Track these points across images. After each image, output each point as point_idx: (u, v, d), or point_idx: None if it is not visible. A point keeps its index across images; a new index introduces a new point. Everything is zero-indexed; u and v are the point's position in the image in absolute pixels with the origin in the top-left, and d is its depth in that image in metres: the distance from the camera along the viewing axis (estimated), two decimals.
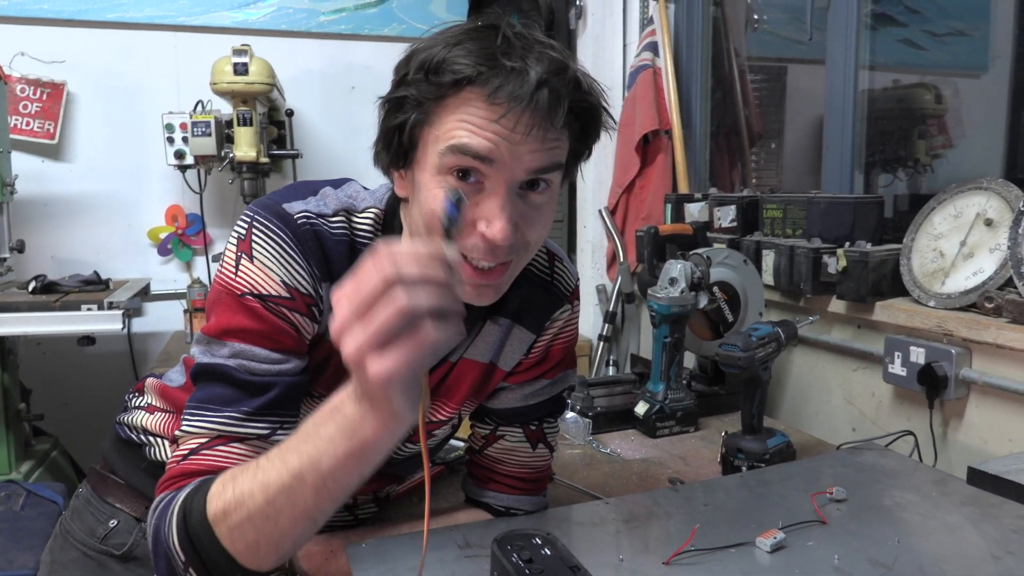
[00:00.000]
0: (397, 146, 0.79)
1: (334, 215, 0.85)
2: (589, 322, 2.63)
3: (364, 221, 0.87)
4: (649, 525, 1.00)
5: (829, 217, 1.63)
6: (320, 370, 0.89)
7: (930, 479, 1.11)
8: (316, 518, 0.73)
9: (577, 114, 0.78)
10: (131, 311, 2.14)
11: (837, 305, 1.59)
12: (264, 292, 0.80)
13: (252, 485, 0.70)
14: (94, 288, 2.21)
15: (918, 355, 1.39)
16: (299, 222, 0.82)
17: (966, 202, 1.43)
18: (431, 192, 0.76)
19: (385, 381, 0.59)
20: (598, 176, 2.58)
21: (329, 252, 0.83)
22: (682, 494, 1.09)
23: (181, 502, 0.74)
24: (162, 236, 2.73)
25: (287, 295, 0.81)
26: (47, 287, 2.13)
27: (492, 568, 0.81)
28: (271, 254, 0.81)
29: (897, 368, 1.44)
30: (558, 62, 0.75)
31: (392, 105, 0.79)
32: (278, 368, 0.81)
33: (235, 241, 0.83)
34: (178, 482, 0.77)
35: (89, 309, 2.02)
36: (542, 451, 1.03)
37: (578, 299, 1.03)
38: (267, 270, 0.80)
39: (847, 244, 1.56)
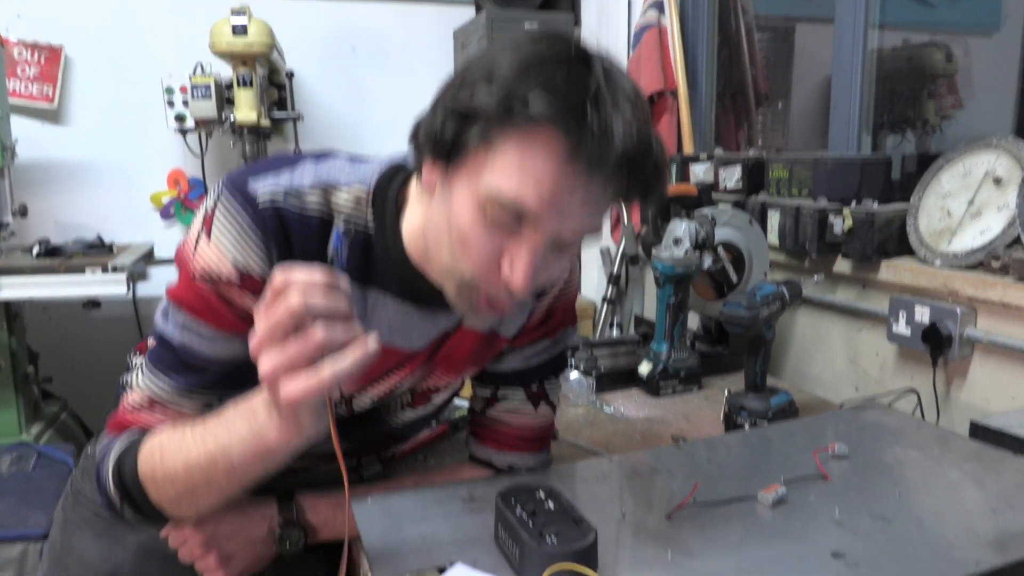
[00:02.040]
0: (447, 148, 0.72)
1: (310, 189, 0.82)
2: (592, 284, 2.63)
3: (346, 200, 0.83)
4: (651, 481, 1.01)
5: (835, 177, 1.61)
6: None
7: (932, 436, 1.12)
8: (230, 494, 0.83)
9: (640, 194, 0.73)
10: (135, 275, 2.15)
11: (842, 265, 1.58)
12: (215, 274, 0.80)
13: (175, 458, 0.79)
14: (98, 252, 2.22)
15: (923, 314, 1.39)
16: (262, 205, 0.79)
17: (975, 160, 1.42)
18: (466, 215, 0.72)
19: (294, 403, 0.66)
20: None
21: (294, 234, 0.80)
22: (684, 451, 1.10)
23: (116, 456, 0.82)
24: (164, 200, 2.73)
25: (238, 280, 0.80)
26: (51, 251, 2.14)
27: (496, 521, 0.82)
28: (228, 235, 0.80)
29: (901, 328, 1.43)
30: (643, 135, 0.69)
31: (457, 112, 0.70)
32: (219, 350, 0.83)
33: (201, 215, 0.82)
34: (119, 431, 0.85)
35: (93, 272, 2.03)
36: (544, 410, 1.03)
37: (577, 256, 1.02)
38: (221, 251, 0.80)
39: (853, 204, 1.54)
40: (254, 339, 0.65)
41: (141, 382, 0.85)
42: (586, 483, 1.00)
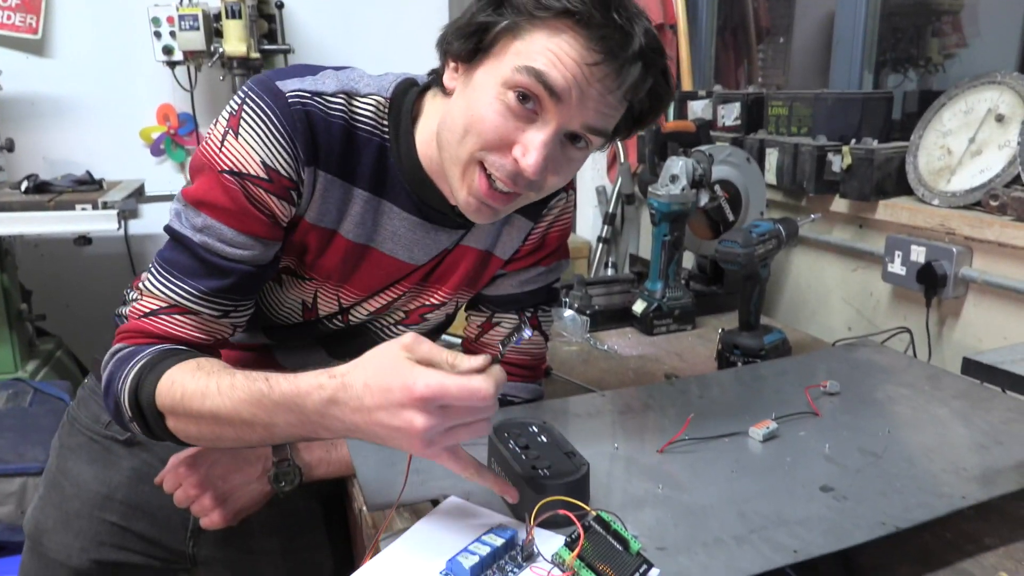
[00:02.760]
0: (476, 42, 0.78)
1: (333, 95, 0.83)
2: (588, 224, 2.61)
3: (365, 107, 0.85)
4: (644, 417, 1.01)
5: (836, 114, 1.59)
6: (301, 251, 0.89)
7: (924, 374, 1.12)
8: (255, 444, 0.85)
9: (648, 99, 0.80)
10: (127, 212, 2.12)
11: (839, 204, 1.57)
12: (243, 171, 0.80)
13: (200, 405, 0.75)
14: (88, 188, 2.19)
15: (918, 254, 1.38)
16: (290, 101, 0.80)
17: (978, 97, 1.39)
18: (486, 98, 0.76)
19: (421, 449, 0.67)
20: None
21: (319, 134, 0.81)
22: (677, 388, 1.10)
23: (135, 373, 0.79)
24: (154, 136, 2.68)
25: (266, 176, 0.80)
26: (39, 187, 2.11)
27: (489, 455, 0.83)
28: (257, 133, 0.80)
29: (897, 267, 1.43)
30: (657, 46, 0.76)
31: (490, 3, 0.77)
32: (240, 254, 0.82)
33: (227, 115, 0.82)
34: (137, 338, 0.83)
35: (83, 209, 2.01)
36: (537, 338, 1.05)
37: (574, 188, 1.03)
38: (249, 149, 0.80)
39: (853, 142, 1.52)
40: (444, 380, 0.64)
41: (157, 287, 0.83)
42: (579, 418, 1.00)
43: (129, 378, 0.80)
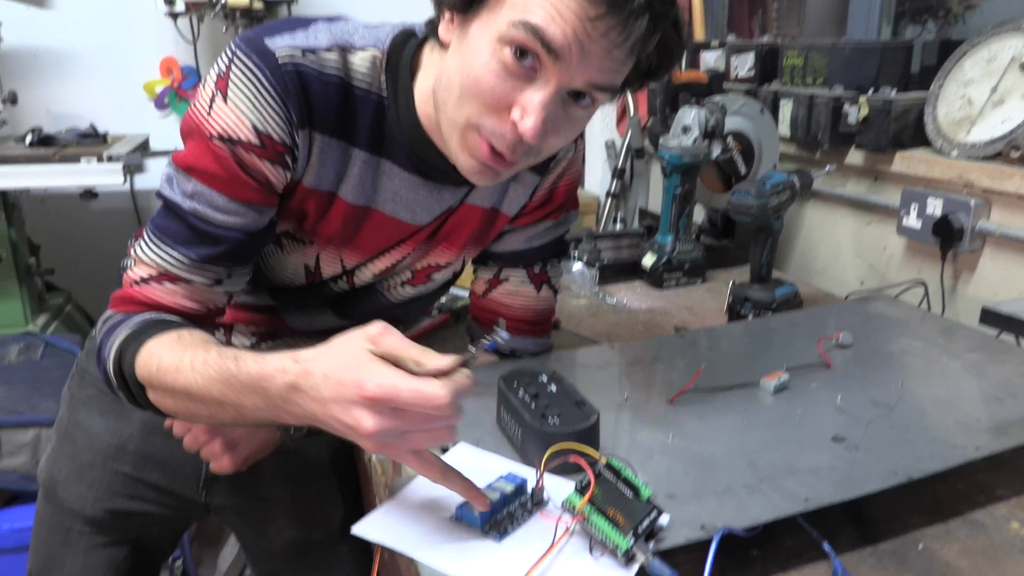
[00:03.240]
0: None
1: (327, 50, 0.78)
2: (597, 178, 2.58)
3: (362, 63, 0.80)
4: (653, 368, 1.01)
5: (853, 64, 1.55)
6: (300, 217, 0.86)
7: (938, 327, 1.11)
8: (231, 424, 0.86)
9: (657, 53, 0.73)
10: (132, 167, 2.10)
11: (855, 156, 1.54)
12: (234, 137, 0.76)
13: (174, 380, 0.74)
14: (92, 142, 2.17)
15: (935, 206, 1.36)
16: (281, 61, 0.75)
17: (1002, 45, 1.35)
18: (481, 57, 0.71)
19: (374, 450, 0.64)
20: None
21: (313, 95, 0.77)
22: (687, 340, 1.10)
23: (120, 344, 0.78)
24: (158, 90, 2.64)
25: (258, 142, 0.77)
26: (44, 140, 2.09)
27: (498, 404, 0.83)
28: (246, 96, 0.76)
29: (912, 220, 1.41)
30: None
31: None
32: (232, 221, 0.79)
33: (214, 76, 0.78)
34: (126, 306, 0.81)
35: (88, 162, 1.99)
36: (546, 293, 1.03)
37: (582, 137, 0.99)
38: (240, 113, 0.76)
39: (870, 92, 1.49)
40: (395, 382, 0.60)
41: (148, 254, 0.81)
42: (587, 369, 1.00)
43: (114, 347, 0.78)
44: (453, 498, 0.68)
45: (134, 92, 2.63)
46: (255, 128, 0.76)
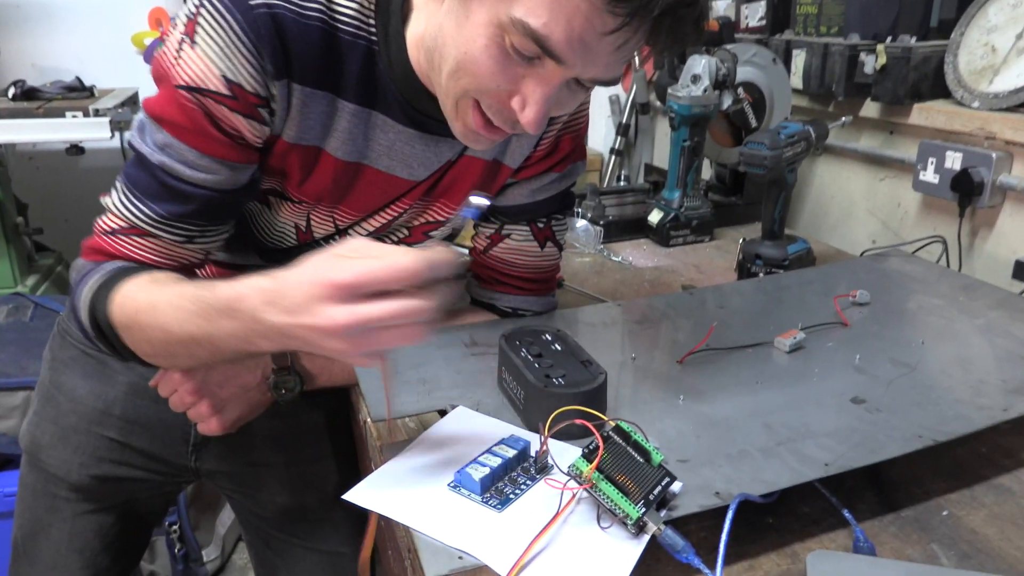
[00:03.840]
0: None
1: None
2: (601, 135, 2.52)
3: (347, 6, 0.73)
4: (662, 327, 0.96)
5: (871, 8, 1.48)
6: (284, 174, 0.81)
7: (958, 284, 1.06)
8: (211, 363, 0.80)
9: (672, 43, 0.65)
10: (120, 121, 2.03)
11: (870, 109, 1.48)
12: (202, 86, 0.70)
13: (151, 321, 0.72)
14: (78, 96, 2.10)
15: (954, 160, 1.30)
16: (254, 3, 0.69)
17: None
18: (480, 39, 0.64)
19: (341, 352, 0.59)
20: None
21: (291, 42, 0.71)
22: (696, 298, 1.05)
23: (93, 292, 0.75)
24: (147, 42, 2.56)
25: (228, 92, 0.70)
26: (28, 93, 2.02)
27: (500, 364, 0.78)
28: (215, 43, 0.69)
29: (929, 175, 1.35)
30: None
31: None
32: (203, 178, 0.74)
33: (183, 19, 0.71)
34: (96, 255, 0.78)
35: (75, 116, 1.93)
36: (550, 250, 0.97)
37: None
38: (208, 62, 0.69)
39: (888, 40, 1.42)
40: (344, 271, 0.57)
41: (118, 205, 0.77)
42: (593, 328, 0.95)
43: (88, 296, 0.75)
44: (451, 464, 0.64)
45: (122, 44, 2.54)
46: (225, 78, 0.70)
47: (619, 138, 2.39)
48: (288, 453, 1.05)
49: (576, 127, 0.93)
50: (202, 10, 0.69)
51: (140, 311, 0.72)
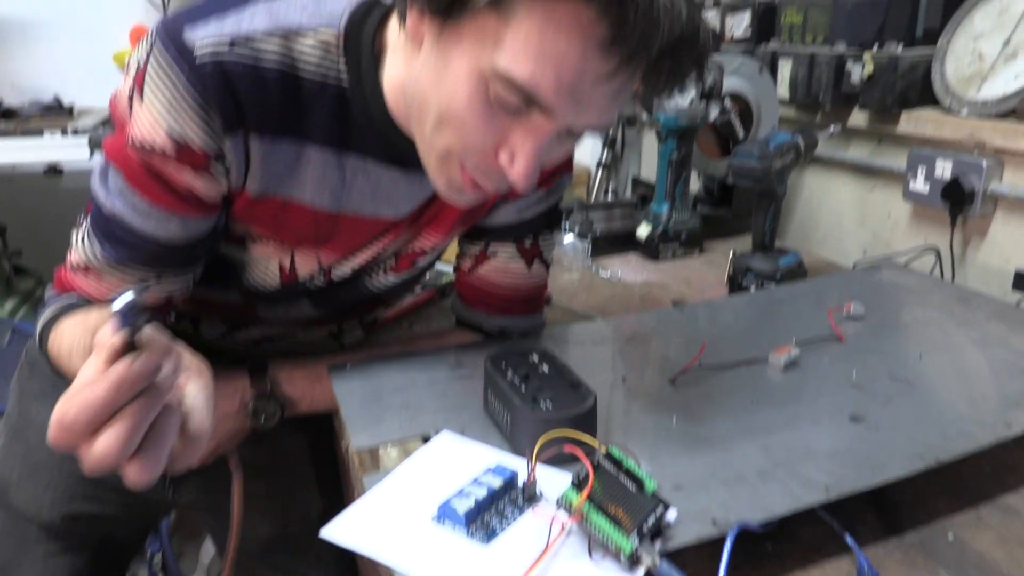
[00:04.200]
0: (448, 2, 0.58)
1: (265, 37, 0.67)
2: (587, 149, 2.50)
3: (311, 48, 0.69)
4: (652, 345, 0.94)
5: (857, 17, 1.46)
6: (254, 224, 0.78)
7: (953, 296, 1.04)
8: None
9: (672, 83, 0.61)
10: (99, 141, 2.00)
11: (858, 118, 1.46)
12: (147, 144, 0.67)
13: (69, 366, 0.68)
14: (57, 114, 2.07)
15: (944, 169, 1.29)
16: (199, 57, 0.64)
17: None
18: (462, 90, 0.60)
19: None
20: None
21: (243, 93, 0.66)
22: (686, 314, 1.02)
23: (41, 326, 0.74)
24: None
25: (173, 152, 0.67)
26: (5, 113, 1.99)
27: (485, 387, 0.75)
28: (161, 98, 0.65)
29: (919, 184, 1.33)
30: (692, 20, 0.57)
31: None
32: (153, 229, 0.71)
33: (134, 68, 0.67)
34: (59, 288, 0.77)
35: (52, 135, 1.89)
36: (538, 269, 0.94)
37: None
38: (155, 117, 0.66)
39: (875, 48, 1.41)
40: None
41: (78, 241, 0.75)
42: (582, 346, 0.92)
43: (38, 329, 0.74)
44: (435, 494, 0.61)
45: (103, 63, 2.51)
46: (170, 136, 0.67)
47: (606, 151, 2.37)
48: (270, 482, 1.01)
49: None
50: (151, 62, 0.66)
51: (60, 355, 0.70)
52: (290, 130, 0.71)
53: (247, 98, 0.67)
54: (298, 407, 0.89)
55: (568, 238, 1.44)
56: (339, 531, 0.59)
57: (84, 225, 0.75)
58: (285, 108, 0.69)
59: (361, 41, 0.70)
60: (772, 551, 0.63)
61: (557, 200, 0.93)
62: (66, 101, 2.15)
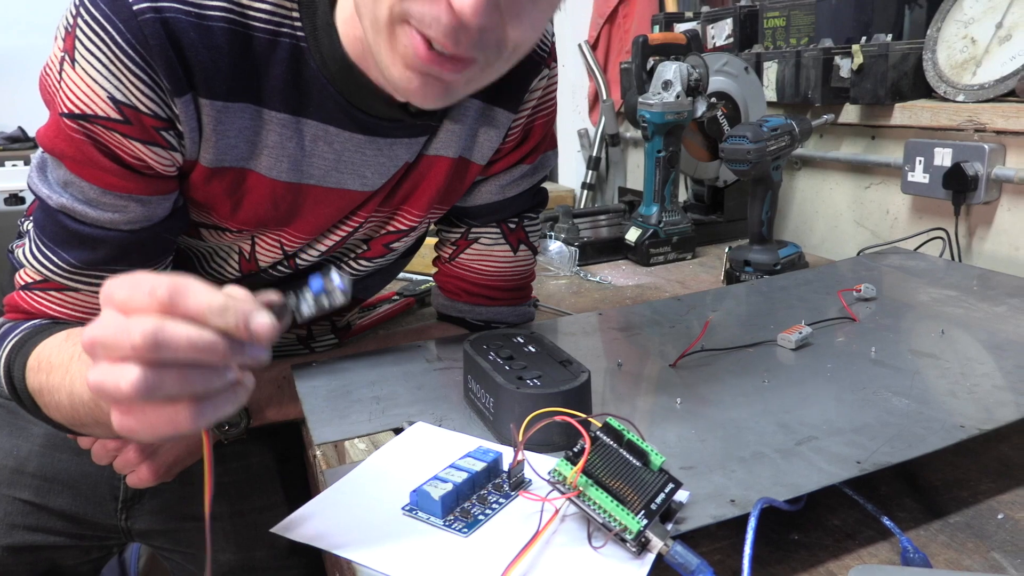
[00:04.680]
0: None
1: None
2: (572, 169, 2.45)
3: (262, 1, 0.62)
4: (648, 333, 0.86)
5: (841, 14, 1.43)
6: (209, 204, 0.70)
7: (970, 274, 0.98)
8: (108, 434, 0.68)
9: None
10: None
11: (850, 113, 1.41)
12: (87, 112, 0.59)
13: (61, 385, 0.62)
14: (20, 145, 2.00)
15: (944, 156, 1.23)
16: (138, 9, 0.57)
17: None
18: None
19: (125, 433, 0.44)
20: (576, 5, 2.33)
21: (189, 48, 0.59)
22: (685, 303, 0.95)
23: (7, 354, 0.67)
24: None
25: (119, 116, 0.59)
26: None
27: (465, 373, 0.67)
28: (97, 60, 0.58)
29: (918, 175, 1.28)
30: None
31: None
32: (110, 217, 0.64)
33: (63, 32, 0.60)
34: (15, 314, 0.69)
35: (14, 165, 1.82)
36: (524, 253, 0.86)
37: (555, 61, 0.82)
38: (91, 83, 0.59)
39: (863, 41, 1.36)
40: (90, 328, 0.42)
41: (29, 257, 0.67)
42: (572, 336, 0.84)
43: (2, 361, 0.67)
44: (407, 485, 0.52)
45: None
46: (113, 99, 0.59)
47: (590, 172, 2.32)
48: (234, 503, 0.92)
49: (547, 111, 0.82)
50: (79, 20, 0.58)
51: (53, 366, 0.62)
52: (243, 92, 0.64)
53: (194, 55, 0.60)
54: (265, 414, 0.80)
55: (555, 245, 1.37)
56: (293, 527, 0.50)
57: (32, 237, 0.67)
58: (237, 68, 0.62)
59: None
60: (800, 540, 0.55)
61: (542, 178, 0.86)
62: (31, 132, 2.09)
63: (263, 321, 0.43)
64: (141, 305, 0.41)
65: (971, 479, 0.61)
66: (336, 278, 0.48)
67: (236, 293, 0.44)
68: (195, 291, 0.42)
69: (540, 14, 0.57)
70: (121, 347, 0.40)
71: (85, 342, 0.42)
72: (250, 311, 0.43)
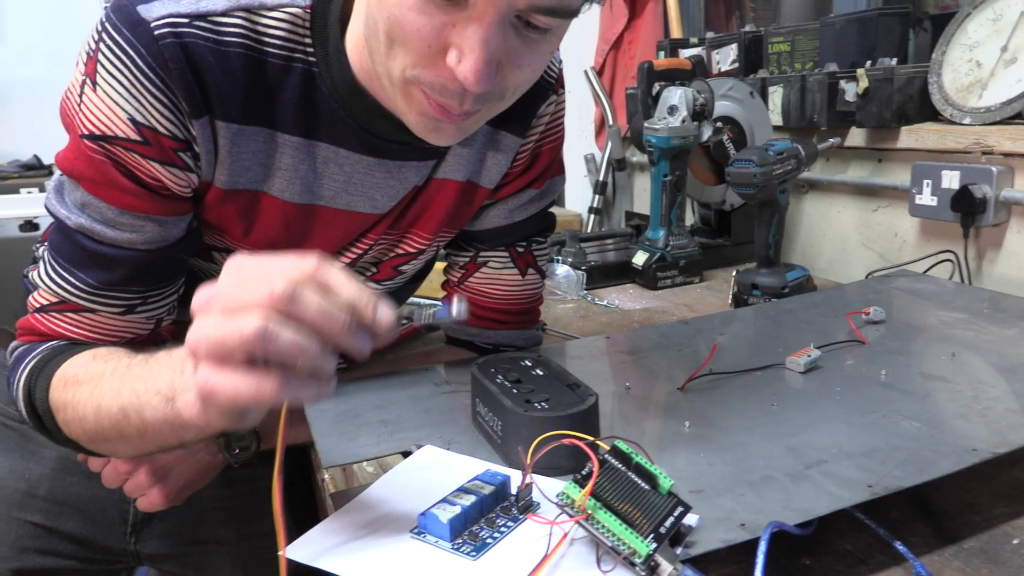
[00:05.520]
0: None
1: (225, 14, 0.62)
2: (578, 194, 2.46)
3: (277, 23, 0.64)
4: (655, 356, 0.86)
5: (845, 38, 1.44)
6: (223, 227, 0.71)
7: (980, 297, 0.97)
8: (146, 451, 0.68)
9: None
10: None
11: (856, 137, 1.42)
12: (108, 133, 0.61)
13: (87, 399, 0.63)
14: (35, 173, 2.03)
15: (951, 179, 1.23)
16: (159, 34, 0.60)
17: (1007, 2, 1.25)
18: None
19: (205, 394, 0.47)
20: (581, 32, 2.35)
21: (206, 72, 0.62)
22: (692, 327, 0.95)
23: (27, 375, 0.68)
24: None
25: (138, 138, 0.61)
26: None
27: (473, 397, 0.67)
28: (118, 83, 0.60)
29: (926, 198, 1.28)
30: None
31: None
32: (128, 237, 0.65)
33: (84, 56, 0.62)
34: (30, 336, 0.70)
35: (29, 192, 1.85)
36: (532, 277, 0.87)
37: (563, 87, 0.84)
38: (112, 105, 0.61)
39: (868, 64, 1.37)
40: (201, 293, 0.46)
41: (45, 279, 0.68)
42: (579, 360, 0.84)
43: (21, 382, 0.68)
44: (415, 508, 0.52)
45: None
46: (133, 121, 0.61)
47: (597, 197, 2.33)
48: (241, 526, 0.92)
49: (554, 136, 0.84)
50: (101, 45, 0.61)
51: (80, 383, 0.63)
52: (257, 115, 0.66)
53: (211, 79, 0.62)
54: (275, 437, 0.80)
55: (562, 269, 1.37)
56: (303, 551, 0.50)
57: (47, 259, 0.68)
58: (251, 91, 0.64)
59: (329, 15, 0.65)
60: (811, 566, 0.54)
61: (550, 203, 0.87)
62: (46, 161, 2.12)
63: (388, 311, 0.47)
64: (288, 266, 0.45)
65: (984, 504, 0.61)
66: (456, 303, 0.55)
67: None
68: (337, 267, 0.47)
69: (540, 59, 0.60)
70: (259, 294, 0.43)
71: (231, 268, 0.47)
72: (380, 299, 0.47)
